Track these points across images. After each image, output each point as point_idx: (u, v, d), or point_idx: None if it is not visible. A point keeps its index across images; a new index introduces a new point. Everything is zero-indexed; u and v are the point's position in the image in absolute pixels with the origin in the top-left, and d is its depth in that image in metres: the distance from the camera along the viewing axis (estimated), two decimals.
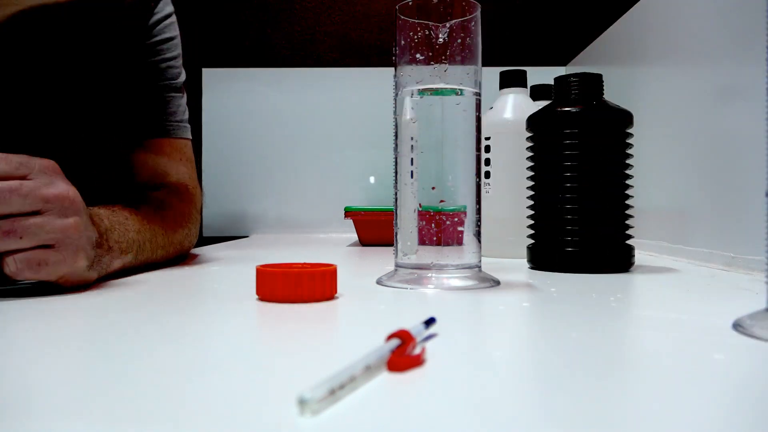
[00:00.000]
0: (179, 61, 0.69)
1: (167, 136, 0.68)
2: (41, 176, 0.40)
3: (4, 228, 0.38)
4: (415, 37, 0.45)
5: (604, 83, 0.59)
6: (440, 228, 0.45)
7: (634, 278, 0.53)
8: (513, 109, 0.73)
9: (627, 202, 0.58)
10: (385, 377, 0.22)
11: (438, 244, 0.45)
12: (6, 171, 0.38)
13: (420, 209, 0.45)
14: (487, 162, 0.73)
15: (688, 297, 0.43)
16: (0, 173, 0.38)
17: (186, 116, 0.71)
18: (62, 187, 0.41)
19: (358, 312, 0.37)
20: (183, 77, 0.69)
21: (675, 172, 0.75)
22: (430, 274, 0.45)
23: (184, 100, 0.70)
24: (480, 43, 0.46)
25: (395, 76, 0.47)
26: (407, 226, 0.46)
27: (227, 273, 0.56)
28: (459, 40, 0.45)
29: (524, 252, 0.62)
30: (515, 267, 0.60)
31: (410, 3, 0.45)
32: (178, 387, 0.21)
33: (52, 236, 0.40)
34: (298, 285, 0.37)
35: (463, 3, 0.45)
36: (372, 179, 1.30)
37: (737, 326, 0.30)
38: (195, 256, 0.75)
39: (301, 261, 0.42)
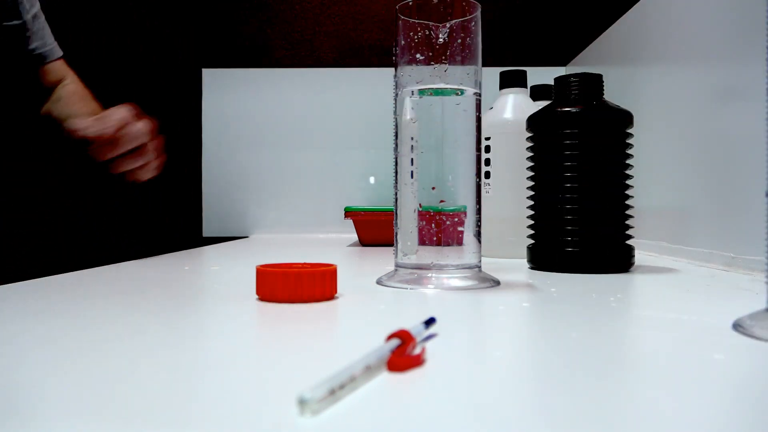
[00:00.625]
0: None
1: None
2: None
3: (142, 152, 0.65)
4: (415, 37, 0.45)
5: (604, 83, 0.59)
6: (440, 228, 0.45)
7: (634, 278, 0.53)
8: (513, 109, 0.73)
9: (627, 202, 0.58)
10: (385, 377, 0.22)
11: (438, 244, 0.45)
12: (133, 115, 0.64)
13: (420, 209, 0.45)
14: (487, 162, 0.74)
15: (688, 297, 0.43)
16: (129, 117, 0.64)
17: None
18: (147, 122, 0.67)
19: (358, 312, 0.37)
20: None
21: (675, 172, 0.75)
22: (430, 274, 0.45)
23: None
24: (480, 43, 0.46)
25: (395, 76, 0.47)
26: (407, 226, 0.46)
27: (227, 273, 0.56)
28: (459, 40, 0.45)
29: (524, 252, 0.62)
30: (515, 267, 0.60)
31: (410, 3, 0.45)
32: (178, 387, 0.21)
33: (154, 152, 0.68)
34: (298, 285, 0.37)
35: (463, 3, 0.45)
36: (372, 179, 1.30)
37: (737, 326, 0.30)
38: (195, 256, 0.75)
39: (301, 261, 0.42)
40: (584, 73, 0.59)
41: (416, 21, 0.45)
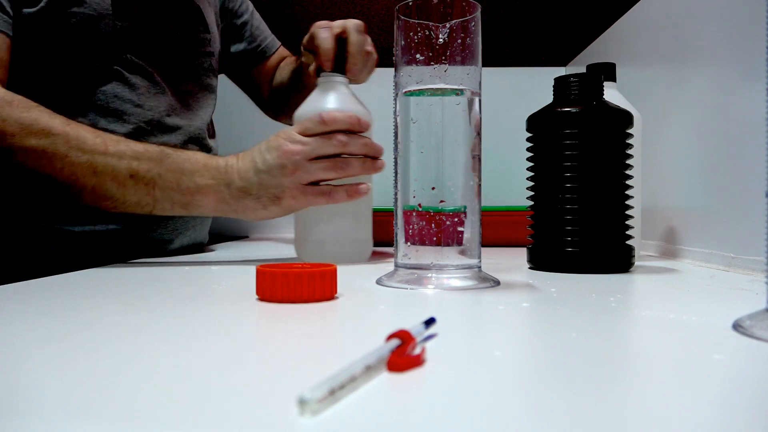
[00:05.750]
0: None
1: None
2: None
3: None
4: (415, 37, 0.45)
5: (603, 83, 0.59)
6: (440, 228, 0.45)
7: (634, 278, 0.53)
8: None
9: (627, 202, 0.58)
10: (385, 377, 0.22)
11: (438, 244, 0.45)
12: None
13: (420, 209, 0.45)
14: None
15: (688, 297, 0.43)
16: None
17: None
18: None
19: (358, 312, 0.37)
20: None
21: (675, 172, 0.75)
22: (430, 274, 0.45)
23: None
24: (480, 43, 0.46)
25: (395, 76, 0.47)
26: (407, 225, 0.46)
27: (227, 273, 0.56)
28: (459, 41, 0.45)
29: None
30: (515, 267, 0.60)
31: (410, 3, 0.45)
32: (178, 387, 0.21)
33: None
34: (298, 285, 0.37)
35: (463, 3, 0.45)
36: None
37: (737, 326, 0.30)
38: (195, 256, 0.75)
39: (301, 261, 0.42)
40: (584, 73, 0.59)
41: (416, 21, 0.45)
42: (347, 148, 0.59)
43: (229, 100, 1.05)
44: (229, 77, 1.00)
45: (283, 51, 0.99)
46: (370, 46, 0.72)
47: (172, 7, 0.76)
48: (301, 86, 0.87)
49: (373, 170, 0.61)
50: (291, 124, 1.02)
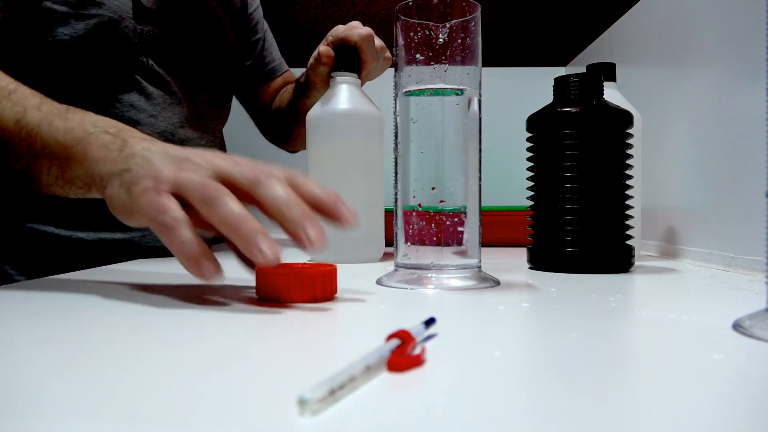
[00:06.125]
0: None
1: None
2: None
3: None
4: (415, 37, 0.45)
5: (603, 83, 0.59)
6: (440, 228, 0.45)
7: (634, 278, 0.53)
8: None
9: (627, 202, 0.58)
10: (385, 377, 0.22)
11: (438, 244, 0.45)
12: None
13: (420, 209, 0.45)
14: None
15: (688, 297, 0.43)
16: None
17: None
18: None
19: (358, 312, 0.37)
20: None
21: (675, 172, 0.75)
22: (430, 274, 0.45)
23: None
24: (480, 43, 0.46)
25: (395, 76, 0.47)
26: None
27: (227, 273, 0.55)
28: (459, 41, 0.45)
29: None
30: (515, 267, 0.60)
31: (410, 3, 0.45)
32: (178, 387, 0.21)
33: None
34: (298, 285, 0.37)
35: (463, 3, 0.45)
36: None
37: (737, 326, 0.30)
38: None
39: (301, 261, 0.42)
40: (584, 73, 0.59)
41: (416, 21, 0.45)
42: (261, 189, 0.39)
43: (240, 115, 1.05)
44: (234, 94, 1.00)
45: (289, 75, 0.99)
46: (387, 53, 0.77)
47: (194, 15, 0.76)
48: (296, 113, 0.86)
49: (245, 243, 0.37)
50: (291, 151, 1.05)
